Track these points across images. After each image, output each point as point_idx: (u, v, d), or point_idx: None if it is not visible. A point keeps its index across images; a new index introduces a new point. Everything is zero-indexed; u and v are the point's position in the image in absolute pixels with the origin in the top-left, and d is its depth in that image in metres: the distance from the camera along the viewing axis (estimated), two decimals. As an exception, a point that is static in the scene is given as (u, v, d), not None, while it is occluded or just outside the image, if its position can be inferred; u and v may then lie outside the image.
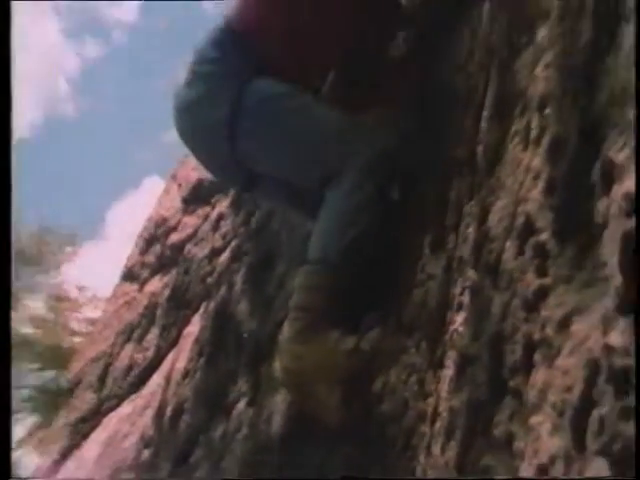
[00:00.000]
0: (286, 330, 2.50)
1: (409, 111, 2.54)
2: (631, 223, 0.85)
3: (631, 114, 0.93)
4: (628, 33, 0.95)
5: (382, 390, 2.21)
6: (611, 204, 0.91)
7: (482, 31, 2.04)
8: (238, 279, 3.82)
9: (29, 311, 20.57)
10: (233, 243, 4.05)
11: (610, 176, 0.94)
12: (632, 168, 0.89)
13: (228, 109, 2.49)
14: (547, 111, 1.20)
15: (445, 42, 2.37)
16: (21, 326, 20.45)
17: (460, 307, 1.71)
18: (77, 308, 20.38)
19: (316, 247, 2.46)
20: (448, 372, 1.69)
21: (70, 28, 41.74)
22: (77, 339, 17.14)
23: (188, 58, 2.70)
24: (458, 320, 1.69)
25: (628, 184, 0.89)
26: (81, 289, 20.66)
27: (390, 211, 2.44)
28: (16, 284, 20.63)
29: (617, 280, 0.86)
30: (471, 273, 1.64)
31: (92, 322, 10.34)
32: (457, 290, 1.77)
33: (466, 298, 1.66)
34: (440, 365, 1.81)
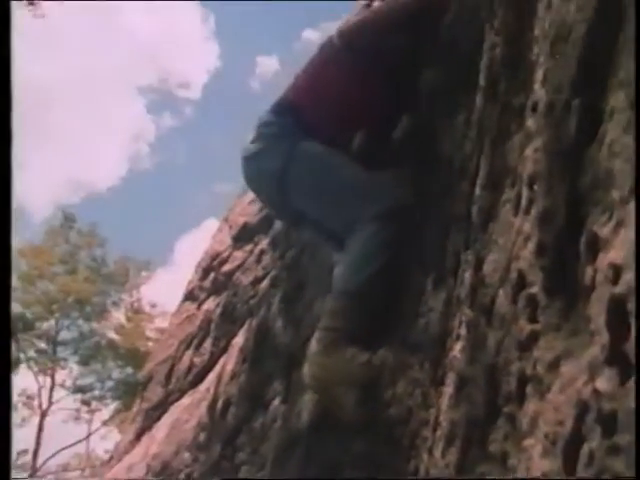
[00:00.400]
0: (314, 345, 2.47)
1: (414, 175, 2.49)
2: (616, 289, 0.79)
3: (615, 195, 0.86)
4: (611, 128, 0.89)
5: (391, 398, 2.14)
6: (597, 272, 0.85)
7: (475, 117, 1.98)
8: (275, 302, 3.77)
9: (114, 321, 20.67)
10: (272, 273, 4.00)
11: (595, 247, 0.87)
12: (615, 241, 0.82)
13: (280, 163, 2.52)
14: (535, 187, 1.13)
15: (444, 124, 2.31)
16: (109, 332, 20.58)
17: (458, 337, 1.63)
18: (150, 320, 20.44)
19: (340, 280, 2.44)
20: (448, 389, 1.62)
21: (150, 104, 42.44)
22: (150, 344, 17.15)
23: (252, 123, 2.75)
24: (457, 348, 1.61)
25: (612, 255, 0.82)
26: (153, 305, 20.78)
27: (401, 253, 2.39)
28: (105, 300, 20.77)
29: (604, 338, 0.79)
30: (467, 311, 1.57)
31: (161, 331, 10.30)
32: (455, 323, 1.70)
33: (463, 330, 1.59)
34: (441, 382, 1.73)
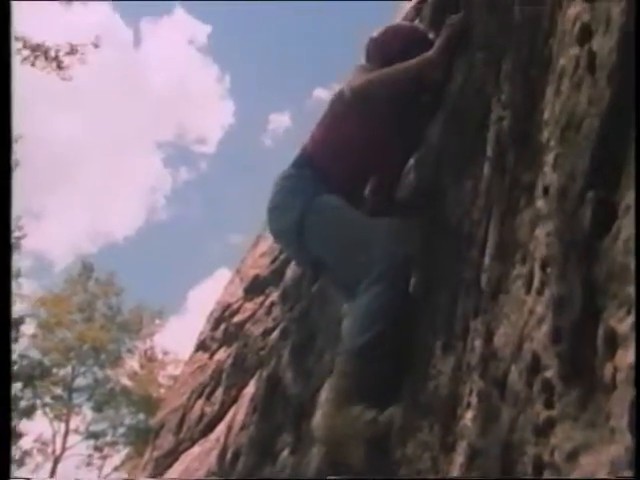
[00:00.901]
0: (324, 403, 2.43)
1: (423, 236, 2.47)
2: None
3: (631, 290, 0.84)
4: (626, 224, 0.87)
5: (400, 459, 2.08)
6: (617, 370, 0.82)
7: (483, 186, 1.97)
8: (285, 353, 3.73)
9: (128, 368, 20.61)
10: (282, 325, 3.96)
11: (613, 343, 0.84)
12: (633, 339, 0.79)
13: (298, 214, 2.58)
14: (549, 270, 1.10)
15: (452, 188, 2.30)
16: (122, 379, 20.53)
17: (469, 405, 1.59)
18: (163, 367, 20.37)
19: (347, 340, 2.41)
20: (459, 458, 1.57)
21: (167, 158, 43.20)
22: (162, 390, 17.03)
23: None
24: (467, 416, 1.57)
25: (632, 356, 0.79)
26: (165, 353, 20.74)
27: (408, 313, 2.36)
28: (120, 347, 20.77)
29: (627, 439, 0.76)
30: (479, 381, 1.53)
31: (174, 378, 10.21)
32: (466, 390, 1.66)
33: (474, 399, 1.55)
34: (451, 448, 1.68)
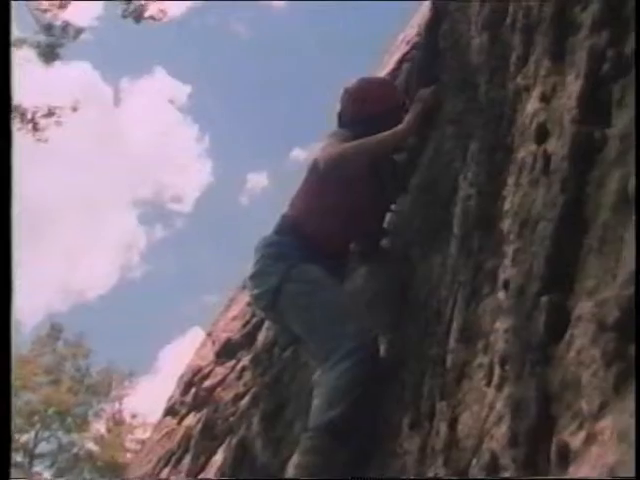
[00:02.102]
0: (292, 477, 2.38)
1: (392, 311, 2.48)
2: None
3: (583, 403, 0.84)
4: (578, 335, 0.87)
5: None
6: (570, 486, 0.81)
7: (450, 263, 1.98)
8: (255, 420, 3.65)
9: (95, 432, 20.04)
10: (252, 390, 3.90)
11: (566, 458, 0.84)
12: (586, 457, 0.79)
13: (276, 281, 2.60)
14: (507, 367, 1.10)
15: (421, 263, 2.32)
16: (88, 443, 19.90)
17: (434, 491, 1.57)
18: (131, 430, 19.86)
19: (315, 416, 2.39)
20: None
21: (143, 216, 43.17)
22: (129, 455, 16.58)
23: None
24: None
25: (583, 472, 0.79)
26: (134, 415, 20.25)
27: (379, 389, 2.34)
28: (87, 411, 20.22)
29: None
30: (442, 469, 1.51)
31: (141, 442, 9.97)
32: (430, 474, 1.64)
33: (439, 486, 1.53)
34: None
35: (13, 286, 1.54)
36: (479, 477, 1.21)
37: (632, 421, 0.72)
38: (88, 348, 20.82)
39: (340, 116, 2.99)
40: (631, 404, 0.74)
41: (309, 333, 2.60)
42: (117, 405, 20.73)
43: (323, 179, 2.76)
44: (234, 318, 4.44)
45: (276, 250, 2.74)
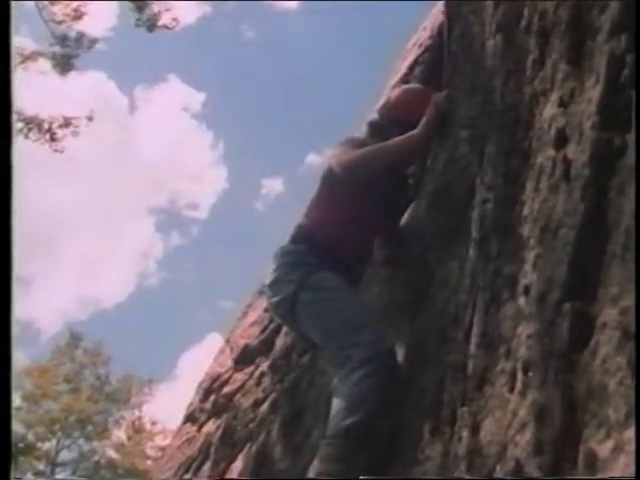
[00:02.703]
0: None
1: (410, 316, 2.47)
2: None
3: (610, 411, 0.83)
4: (604, 342, 0.87)
5: None
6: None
7: (468, 267, 1.97)
8: (275, 427, 3.66)
9: (115, 439, 20.11)
10: (271, 397, 3.90)
11: (594, 467, 0.83)
12: (615, 466, 0.78)
13: (293, 288, 2.62)
14: (530, 374, 1.10)
15: (438, 269, 2.31)
16: (109, 451, 19.96)
17: (457, 499, 1.56)
18: (151, 438, 19.90)
19: (333, 423, 2.38)
20: None
21: (159, 223, 43.20)
22: (149, 462, 16.63)
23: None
24: (456, 511, 1.54)
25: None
26: (154, 423, 20.30)
27: (397, 396, 2.33)
28: (107, 419, 20.28)
29: None
30: (465, 473, 1.50)
31: (162, 449, 9.99)
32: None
33: (462, 493, 1.52)
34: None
35: (12, 286, 1.55)
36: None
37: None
38: (107, 356, 20.90)
39: (372, 124, 2.99)
40: (659, 413, 0.73)
41: (325, 340, 2.61)
42: (137, 412, 20.80)
43: (339, 185, 2.76)
44: (252, 324, 4.45)
45: (292, 259, 2.76)
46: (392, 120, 2.90)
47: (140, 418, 20.51)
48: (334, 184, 2.77)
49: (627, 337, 0.81)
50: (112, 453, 19.87)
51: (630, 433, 0.76)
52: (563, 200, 1.08)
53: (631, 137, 0.92)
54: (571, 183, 1.05)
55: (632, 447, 0.76)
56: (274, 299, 2.77)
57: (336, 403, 2.41)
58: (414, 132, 2.74)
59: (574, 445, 0.91)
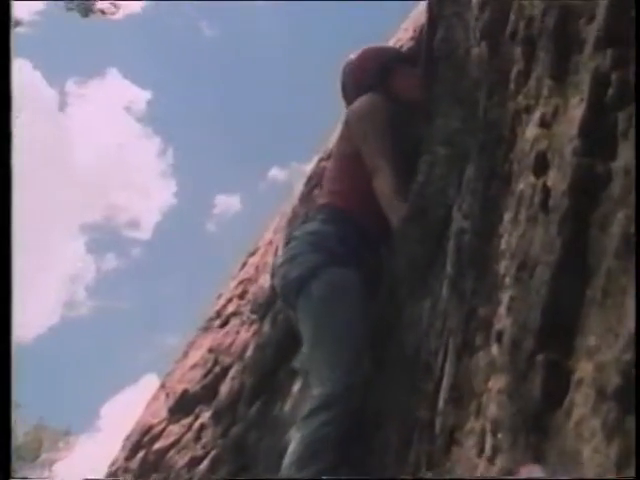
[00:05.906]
0: None
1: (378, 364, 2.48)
2: None
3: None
4: (579, 403, 0.88)
5: None
6: None
7: (441, 307, 1.99)
8: (215, 490, 3.61)
9: (24, 507, 19.56)
10: (212, 453, 3.85)
11: None
12: None
13: (308, 269, 2.74)
14: (500, 436, 1.11)
15: (408, 306, 2.33)
16: (14, 522, 19.40)
17: None
18: (66, 502, 19.40)
19: (284, 473, 2.40)
20: None
21: (92, 243, 42.60)
22: (59, 539, 16.14)
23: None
24: None
25: None
26: (69, 484, 19.79)
27: (357, 447, 2.34)
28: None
29: None
30: None
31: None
32: None
33: None
34: None
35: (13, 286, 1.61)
36: None
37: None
38: (15, 402, 20.32)
39: (344, 80, 3.24)
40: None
41: (313, 344, 2.70)
42: (47, 472, 20.19)
43: (354, 129, 2.95)
44: (193, 367, 4.40)
45: (316, 239, 2.88)
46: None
47: (54, 478, 20.00)
48: (352, 138, 2.97)
49: (603, 397, 0.82)
50: (19, 525, 19.33)
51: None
52: (541, 234, 1.10)
53: (615, 165, 0.94)
54: (549, 215, 1.07)
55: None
56: (283, 279, 2.87)
57: (292, 447, 2.42)
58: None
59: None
